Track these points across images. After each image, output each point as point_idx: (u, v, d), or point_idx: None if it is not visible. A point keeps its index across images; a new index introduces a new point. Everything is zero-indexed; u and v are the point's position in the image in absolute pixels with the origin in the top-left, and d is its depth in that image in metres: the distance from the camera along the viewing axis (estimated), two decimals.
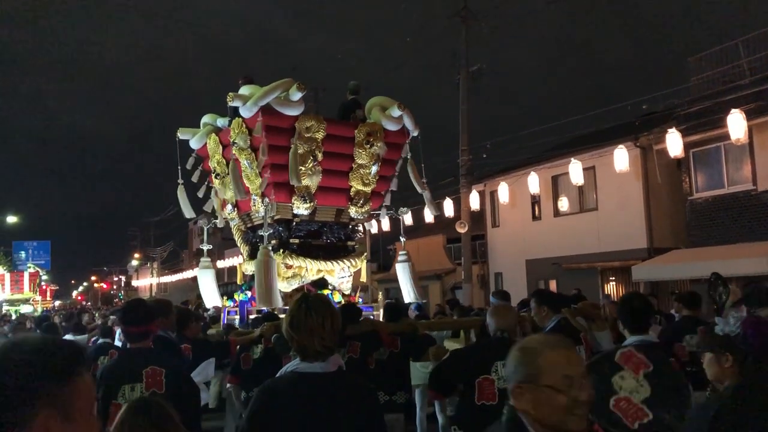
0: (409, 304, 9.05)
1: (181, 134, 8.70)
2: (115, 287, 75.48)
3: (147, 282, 59.41)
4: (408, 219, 19.98)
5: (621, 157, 13.40)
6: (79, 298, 79.66)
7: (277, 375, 2.42)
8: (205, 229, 8.96)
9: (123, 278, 75.75)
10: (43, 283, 33.66)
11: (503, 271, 20.10)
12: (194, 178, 8.83)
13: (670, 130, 12.25)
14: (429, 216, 19.82)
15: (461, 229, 18.44)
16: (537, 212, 18.80)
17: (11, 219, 32.95)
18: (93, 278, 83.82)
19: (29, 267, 27.86)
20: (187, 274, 47.63)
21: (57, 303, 41.44)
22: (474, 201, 17.78)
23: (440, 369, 4.30)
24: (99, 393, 3.32)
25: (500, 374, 3.74)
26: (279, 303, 7.06)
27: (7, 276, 26.40)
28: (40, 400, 1.09)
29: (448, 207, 18.72)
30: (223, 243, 51.05)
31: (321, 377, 2.33)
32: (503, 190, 17.17)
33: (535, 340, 1.76)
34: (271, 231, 7.59)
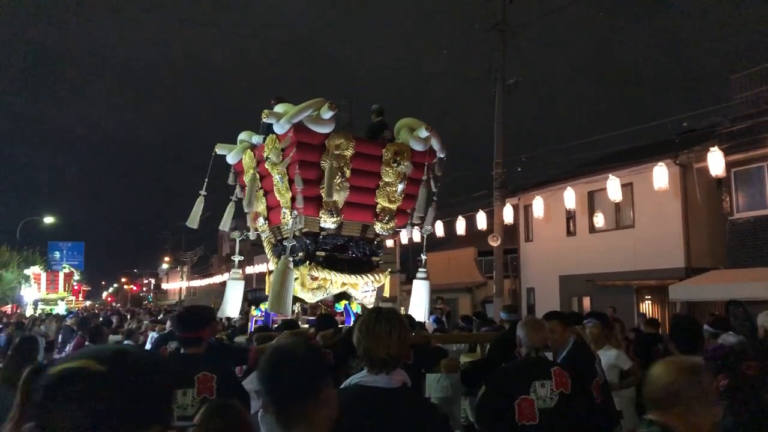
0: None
1: (219, 149, 9.00)
2: (144, 289, 76.48)
3: (177, 285, 60.22)
4: (440, 231, 20.03)
5: (660, 175, 13.31)
6: (109, 299, 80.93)
7: (341, 386, 2.48)
8: (237, 240, 9.19)
9: (152, 281, 76.79)
10: (75, 284, 34.25)
11: (535, 286, 20.02)
12: (237, 193, 9.00)
13: (711, 149, 12.15)
14: (461, 228, 19.90)
15: (494, 242, 18.43)
16: (572, 228, 18.65)
17: (48, 219, 33.73)
18: (123, 280, 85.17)
19: (64, 267, 28.38)
20: (217, 279, 48.12)
21: (87, 303, 42.10)
22: (508, 214, 17.71)
23: (485, 406, 4.12)
24: None
25: (539, 394, 3.75)
26: (288, 311, 7.27)
27: (44, 275, 26.95)
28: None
29: (481, 220, 18.72)
30: (252, 249, 51.67)
31: (385, 392, 2.37)
32: (538, 205, 17.13)
33: (685, 364, 2.14)
34: (295, 243, 7.81)
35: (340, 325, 6.59)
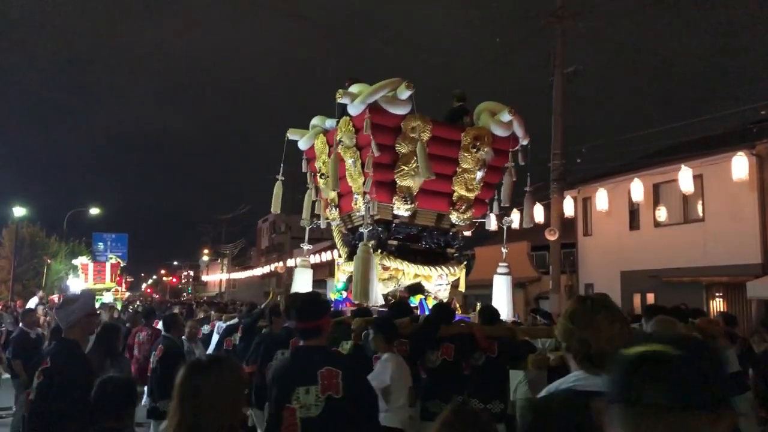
0: None
1: (291, 135, 8.82)
2: (183, 281, 77.27)
3: (216, 278, 60.70)
4: (492, 224, 19.52)
5: (740, 165, 12.62)
6: (149, 290, 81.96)
7: (550, 391, 2.07)
8: (307, 229, 8.89)
9: (191, 273, 77.51)
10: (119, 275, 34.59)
11: (594, 281, 19.45)
12: (309, 182, 8.88)
13: None
14: (516, 221, 19.38)
15: (551, 236, 17.88)
16: (635, 221, 17.98)
17: (94, 210, 34.11)
18: (162, 272, 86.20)
19: (111, 258, 28.57)
20: (257, 272, 48.25)
21: (128, 294, 42.58)
22: (568, 207, 17.14)
23: None
24: (272, 395, 3.09)
25: None
26: (373, 299, 7.05)
27: (91, 266, 27.16)
28: None
29: (538, 212, 18.14)
30: (292, 242, 51.69)
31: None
32: (601, 197, 16.55)
33: None
34: (371, 228, 7.54)
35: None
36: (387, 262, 7.59)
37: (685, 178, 13.69)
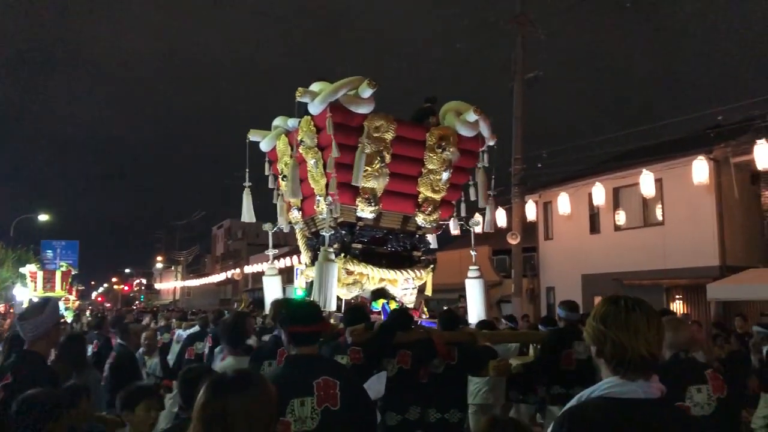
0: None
1: (252, 136, 8.54)
2: (136, 289, 75.53)
3: (170, 285, 59.54)
4: (455, 227, 19.47)
5: (700, 170, 12.87)
6: (100, 299, 79.87)
7: (582, 399, 1.92)
8: (270, 234, 8.59)
9: (144, 281, 75.87)
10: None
11: (556, 285, 19.60)
12: (270, 184, 8.62)
13: (759, 141, 11.71)
14: (488, 228, 19.39)
15: (513, 240, 17.99)
16: (596, 225, 18.18)
17: (43, 217, 32.99)
18: (114, 280, 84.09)
19: (61, 266, 27.60)
20: (213, 279, 47.46)
21: (78, 303, 41.35)
22: (530, 211, 17.24)
23: None
24: None
25: (695, 400, 3.44)
26: (333, 306, 6.85)
27: (40, 274, 26.17)
28: None
29: (500, 217, 18.20)
30: (248, 248, 51.01)
31: (644, 405, 1.83)
32: (562, 201, 16.67)
33: None
34: (333, 232, 7.34)
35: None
36: (351, 266, 7.34)
37: (646, 181, 13.87)
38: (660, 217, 16.39)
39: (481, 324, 7.17)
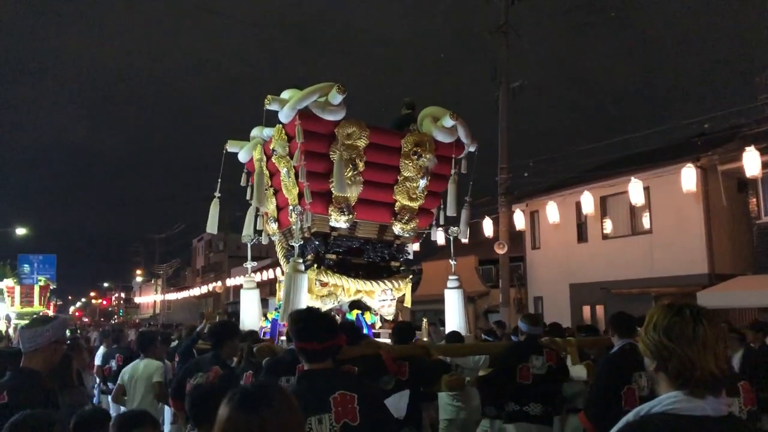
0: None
1: (230, 147, 8.47)
2: (114, 303, 74.51)
3: (150, 299, 58.81)
4: (440, 239, 19.31)
5: (689, 177, 12.87)
6: (77, 314, 78.65)
7: (640, 414, 1.77)
8: (249, 246, 8.46)
9: (123, 295, 74.88)
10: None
11: (543, 294, 19.56)
12: (248, 196, 8.46)
13: (747, 149, 11.75)
14: (463, 236, 19.32)
15: (500, 250, 17.88)
16: (583, 234, 18.17)
17: (20, 231, 32.38)
18: (92, 294, 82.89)
19: (39, 280, 27.11)
20: (194, 292, 46.90)
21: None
22: (519, 221, 17.19)
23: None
24: None
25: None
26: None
27: (17, 289, 25.67)
28: None
29: (487, 226, 18.15)
30: (230, 261, 50.52)
31: (715, 423, 1.69)
32: (550, 210, 16.64)
33: None
34: (302, 242, 7.25)
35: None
36: (324, 278, 7.21)
37: (635, 189, 13.90)
38: (648, 226, 16.43)
39: (449, 336, 7.05)
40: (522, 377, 5.21)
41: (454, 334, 7.03)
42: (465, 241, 12.99)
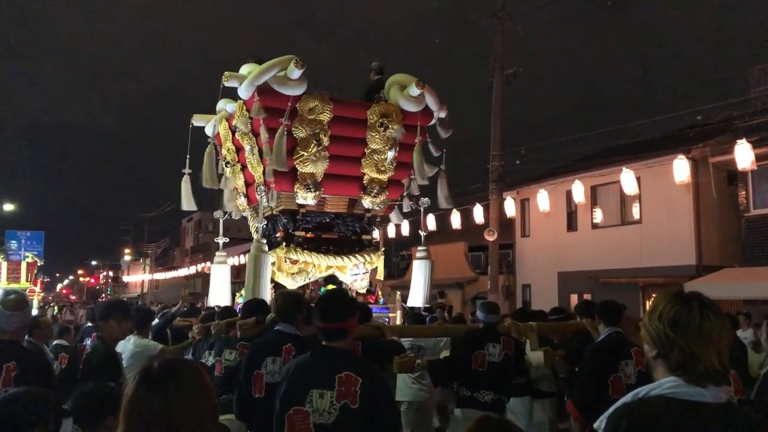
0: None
1: (196, 121, 8.39)
2: (102, 282, 74.24)
3: (138, 278, 58.66)
4: (431, 224, 19.31)
5: (681, 168, 12.89)
6: (65, 291, 78.39)
7: (639, 396, 1.76)
8: (221, 221, 8.51)
9: (111, 273, 74.58)
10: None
11: (532, 282, 19.62)
12: (220, 169, 8.35)
13: (739, 141, 11.77)
14: (456, 222, 19.31)
15: (490, 237, 17.94)
16: (573, 223, 18.20)
17: (8, 207, 32.20)
18: (80, 272, 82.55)
19: (27, 257, 26.88)
20: (182, 272, 46.78)
21: (42, 295, 40.54)
22: (509, 208, 17.20)
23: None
24: (282, 392, 2.79)
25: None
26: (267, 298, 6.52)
27: (4, 265, 25.44)
28: None
29: (478, 213, 18.16)
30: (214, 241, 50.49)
31: (711, 409, 1.68)
32: (541, 199, 16.66)
33: None
34: (266, 222, 7.29)
35: None
36: (294, 255, 7.18)
37: (627, 179, 13.92)
38: (637, 216, 16.46)
39: (410, 318, 7.08)
40: (477, 364, 5.21)
41: (415, 316, 7.07)
42: (448, 206, 12.53)
